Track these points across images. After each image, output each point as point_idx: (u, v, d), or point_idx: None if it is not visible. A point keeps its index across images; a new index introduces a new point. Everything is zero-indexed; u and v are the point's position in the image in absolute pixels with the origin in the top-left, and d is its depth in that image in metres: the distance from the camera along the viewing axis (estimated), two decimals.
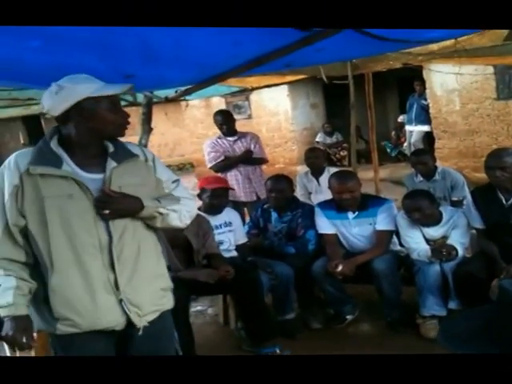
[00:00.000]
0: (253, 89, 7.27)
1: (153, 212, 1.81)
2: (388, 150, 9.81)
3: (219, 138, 4.67)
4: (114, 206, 1.73)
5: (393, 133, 10.03)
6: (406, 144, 9.27)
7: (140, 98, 4.56)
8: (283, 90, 9.81)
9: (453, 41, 3.49)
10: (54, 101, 1.69)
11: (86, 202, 1.71)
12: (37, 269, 1.74)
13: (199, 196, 3.59)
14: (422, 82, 8.38)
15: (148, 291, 1.82)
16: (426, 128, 8.61)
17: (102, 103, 1.69)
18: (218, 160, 4.56)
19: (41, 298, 1.75)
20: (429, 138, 8.65)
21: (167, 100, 3.95)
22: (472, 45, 3.77)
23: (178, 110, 12.69)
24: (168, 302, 1.91)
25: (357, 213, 3.42)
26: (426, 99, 8.50)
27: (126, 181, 1.77)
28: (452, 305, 3.12)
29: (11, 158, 1.72)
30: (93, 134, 1.74)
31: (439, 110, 8.27)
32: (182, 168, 14.29)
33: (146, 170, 1.85)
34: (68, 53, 1.78)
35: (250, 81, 5.51)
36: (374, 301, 3.52)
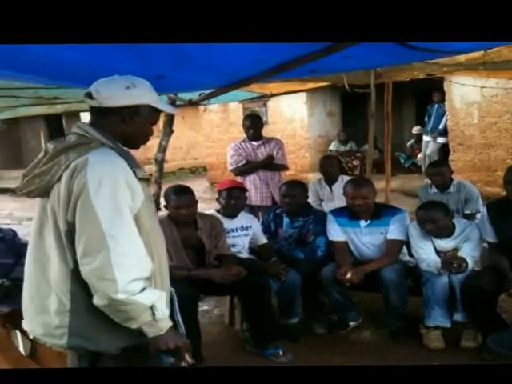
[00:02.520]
0: (272, 95, 7.27)
1: None
2: (401, 161, 9.78)
3: (243, 141, 4.69)
4: None
5: (408, 144, 10.00)
6: (420, 155, 9.23)
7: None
8: (301, 98, 9.79)
9: (481, 52, 3.41)
10: (121, 93, 1.64)
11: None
12: None
13: (217, 199, 3.65)
14: (442, 93, 8.35)
15: None
16: (442, 140, 8.59)
17: (152, 115, 1.72)
18: (239, 164, 4.59)
19: None
20: (444, 150, 8.62)
21: (191, 103, 3.97)
22: (501, 57, 3.69)
23: (195, 114, 12.76)
24: None
25: (369, 221, 3.44)
26: (444, 111, 8.48)
27: None
28: (458, 317, 3.13)
29: (118, 161, 1.60)
30: (129, 136, 1.72)
31: (457, 123, 8.23)
32: (195, 171, 14.37)
33: None
34: (101, 51, 1.80)
35: (270, 87, 5.51)
36: (377, 309, 3.54)
